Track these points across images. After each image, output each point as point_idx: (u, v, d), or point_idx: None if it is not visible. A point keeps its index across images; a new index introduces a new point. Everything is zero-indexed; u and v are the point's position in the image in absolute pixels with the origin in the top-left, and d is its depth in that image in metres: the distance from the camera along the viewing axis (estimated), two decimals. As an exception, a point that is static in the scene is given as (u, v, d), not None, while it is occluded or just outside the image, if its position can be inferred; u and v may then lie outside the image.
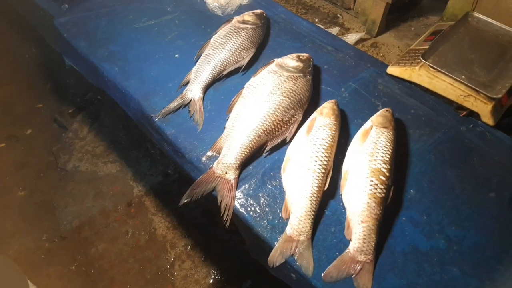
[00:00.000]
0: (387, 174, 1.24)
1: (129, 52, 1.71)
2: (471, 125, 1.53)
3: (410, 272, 1.14)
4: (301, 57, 1.57)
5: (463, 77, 1.53)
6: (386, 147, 1.29)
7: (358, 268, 1.13)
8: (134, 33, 1.79)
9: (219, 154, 1.35)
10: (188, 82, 1.56)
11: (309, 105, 1.49)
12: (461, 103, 1.54)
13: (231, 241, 1.88)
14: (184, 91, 1.53)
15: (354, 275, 1.12)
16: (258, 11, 1.82)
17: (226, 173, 1.31)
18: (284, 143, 1.40)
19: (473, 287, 1.12)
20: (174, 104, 1.50)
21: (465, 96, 1.52)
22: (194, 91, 1.53)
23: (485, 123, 1.53)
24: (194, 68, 1.59)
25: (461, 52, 1.66)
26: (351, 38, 2.33)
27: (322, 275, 1.13)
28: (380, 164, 1.25)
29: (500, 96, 1.46)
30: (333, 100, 1.44)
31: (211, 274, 1.89)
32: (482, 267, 1.16)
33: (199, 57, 1.63)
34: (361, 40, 2.41)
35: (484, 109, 1.50)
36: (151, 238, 2.00)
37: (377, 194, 1.20)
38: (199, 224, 2.01)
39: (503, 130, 1.56)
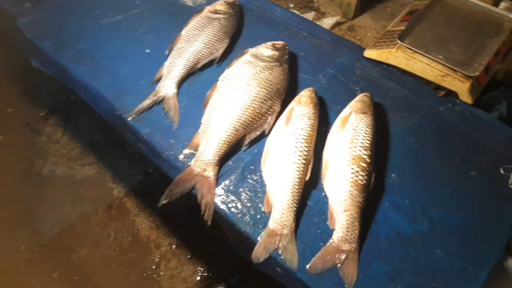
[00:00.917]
0: (368, 160, 1.22)
1: (97, 50, 1.63)
2: (450, 105, 1.53)
3: (395, 258, 1.13)
4: (276, 45, 1.53)
5: (440, 56, 1.52)
6: (366, 133, 1.28)
7: (343, 257, 1.11)
8: (101, 30, 1.72)
9: (197, 151, 1.31)
10: (161, 78, 1.51)
11: (287, 94, 1.46)
12: (439, 83, 1.54)
13: (217, 237, 1.85)
14: (157, 88, 1.48)
15: (339, 265, 1.11)
16: (230, -1, 1.77)
17: (204, 170, 1.27)
18: (263, 136, 1.36)
19: (458, 267, 1.12)
20: (148, 102, 1.44)
21: (442, 76, 1.51)
22: (167, 87, 1.48)
23: (464, 102, 1.53)
24: (166, 63, 1.54)
25: (438, 31, 1.65)
26: (327, 22, 2.30)
27: (307, 267, 1.11)
28: (361, 150, 1.23)
29: (477, 74, 1.46)
30: (310, 88, 1.41)
31: (198, 271, 1.87)
32: (466, 247, 1.16)
33: (171, 51, 1.57)
34: (337, 24, 2.39)
35: (462, 88, 1.50)
36: (135, 240, 1.95)
37: (359, 181, 1.18)
38: (183, 222, 1.98)
39: (482, 107, 1.56)
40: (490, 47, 1.57)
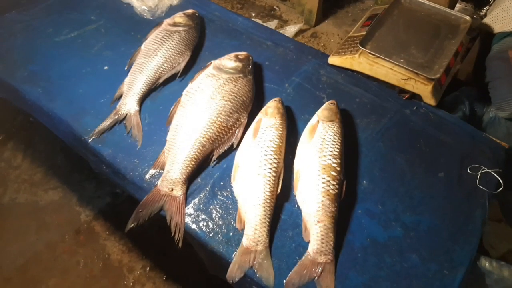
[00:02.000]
0: (338, 169, 1.21)
1: (51, 70, 1.55)
2: (415, 107, 1.55)
3: (371, 267, 1.12)
4: (239, 56, 1.51)
5: (401, 60, 1.54)
6: (334, 141, 1.26)
7: (320, 270, 1.09)
8: (55, 48, 1.64)
9: (163, 170, 1.26)
10: (121, 96, 1.45)
11: (254, 106, 1.43)
12: (403, 87, 1.55)
13: (193, 257, 1.79)
14: (117, 106, 1.42)
15: (316, 278, 1.09)
16: (190, 11, 1.74)
17: (172, 189, 1.22)
18: (232, 149, 1.33)
19: (433, 271, 1.12)
20: (108, 121, 1.38)
21: (405, 79, 1.53)
22: (128, 104, 1.42)
23: (428, 104, 1.55)
24: (126, 80, 1.48)
25: (397, 35, 1.67)
26: (290, 30, 2.30)
27: (284, 283, 1.08)
28: (330, 159, 1.22)
29: (438, 76, 1.48)
30: (277, 99, 1.39)
31: (175, 293, 1.81)
32: (440, 250, 1.16)
33: (131, 67, 1.52)
34: (300, 31, 2.40)
35: (424, 90, 1.52)
36: (106, 265, 1.86)
37: (330, 191, 1.16)
38: (156, 242, 1.90)
39: (446, 108, 1.59)
40: (449, 49, 1.60)
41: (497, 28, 1.88)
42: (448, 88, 1.63)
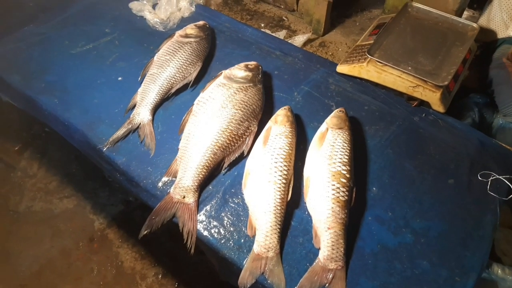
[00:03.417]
0: (348, 176, 1.22)
1: (67, 81, 1.61)
2: (424, 114, 1.56)
3: (381, 273, 1.13)
4: (249, 66, 1.54)
5: (409, 68, 1.55)
6: (344, 148, 1.28)
7: (330, 276, 1.10)
8: (71, 60, 1.69)
9: (175, 178, 1.28)
10: (135, 106, 1.49)
11: (263, 114, 1.46)
12: (411, 94, 1.56)
13: (204, 263, 1.81)
14: (131, 116, 1.46)
15: (327, 284, 1.10)
16: (201, 22, 1.78)
17: (184, 197, 1.24)
18: (242, 157, 1.35)
19: (444, 277, 1.12)
20: (122, 130, 1.42)
21: (413, 87, 1.54)
22: (142, 114, 1.46)
23: (436, 111, 1.56)
24: (140, 90, 1.52)
25: (405, 43, 1.69)
26: (299, 40, 2.33)
27: (295, 290, 1.09)
28: (340, 166, 1.23)
29: (446, 83, 1.49)
30: (286, 107, 1.42)
31: (187, 300, 1.82)
32: (450, 256, 1.16)
33: (144, 78, 1.56)
34: (309, 41, 2.43)
35: (433, 97, 1.53)
36: (119, 272, 1.88)
37: (340, 197, 1.18)
38: (168, 249, 1.93)
39: (455, 115, 1.59)
40: (457, 56, 1.61)
41: (491, 36, 1.90)
42: (456, 95, 1.64)
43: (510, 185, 1.32)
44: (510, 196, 1.31)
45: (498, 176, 1.33)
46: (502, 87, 1.76)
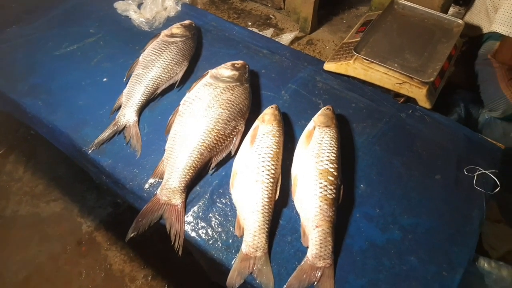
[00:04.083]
0: (335, 173, 1.22)
1: (52, 83, 1.58)
2: (410, 111, 1.56)
3: (370, 270, 1.13)
4: (235, 65, 1.53)
5: (396, 65, 1.56)
6: (331, 146, 1.28)
7: (319, 274, 1.10)
8: (56, 61, 1.67)
9: (162, 179, 1.27)
10: (120, 107, 1.47)
11: (251, 113, 1.45)
12: (398, 91, 1.57)
13: (194, 264, 1.80)
14: (116, 117, 1.44)
15: (316, 283, 1.09)
16: (187, 22, 1.76)
17: (171, 198, 1.23)
18: (230, 157, 1.35)
19: (432, 273, 1.12)
20: (108, 132, 1.40)
21: (400, 83, 1.55)
22: (127, 115, 1.44)
23: (423, 107, 1.57)
24: (125, 91, 1.50)
25: (391, 40, 1.69)
26: (286, 38, 2.32)
27: (284, 289, 1.09)
28: (327, 164, 1.23)
29: (432, 79, 1.50)
30: (273, 106, 1.41)
31: (177, 302, 1.81)
32: (438, 252, 1.17)
33: (129, 78, 1.54)
34: (296, 39, 2.43)
35: (419, 94, 1.54)
36: (108, 275, 1.86)
37: (328, 195, 1.17)
38: (158, 251, 1.91)
39: (442, 111, 1.60)
40: (443, 52, 1.62)
41: (477, 31, 1.92)
42: (443, 91, 1.65)
43: (496, 179, 1.33)
44: (496, 190, 1.32)
45: (484, 171, 1.34)
46: (487, 84, 1.78)
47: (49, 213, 2.08)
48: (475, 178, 1.34)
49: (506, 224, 1.77)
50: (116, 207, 2.10)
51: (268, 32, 2.38)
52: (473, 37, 1.98)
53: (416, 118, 1.54)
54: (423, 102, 1.55)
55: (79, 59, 1.68)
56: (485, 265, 1.18)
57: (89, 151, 1.37)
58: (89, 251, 1.94)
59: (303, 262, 1.12)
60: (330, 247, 1.12)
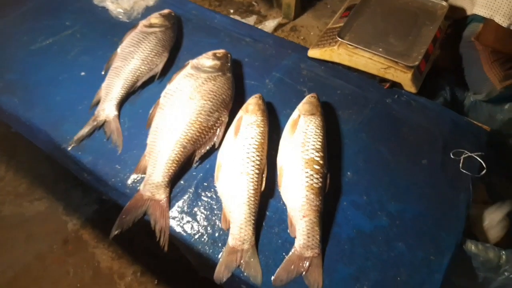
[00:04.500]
0: (321, 162, 1.20)
1: (28, 79, 1.52)
2: (396, 96, 1.55)
3: (358, 257, 1.12)
4: (217, 54, 1.49)
5: (380, 50, 1.53)
6: (316, 135, 1.26)
7: (307, 264, 1.09)
8: (31, 56, 1.60)
9: (145, 174, 1.24)
10: (99, 101, 1.43)
11: (234, 103, 1.42)
12: (383, 76, 1.55)
13: (184, 259, 1.78)
14: (96, 112, 1.40)
15: (304, 273, 1.08)
16: (166, 11, 1.71)
17: (155, 193, 1.20)
18: (214, 149, 1.32)
19: (420, 258, 1.12)
20: (87, 128, 1.36)
21: (385, 68, 1.53)
22: (107, 109, 1.40)
23: (409, 92, 1.55)
24: (104, 84, 1.46)
25: (375, 25, 1.66)
26: (269, 25, 2.28)
27: (272, 280, 1.07)
28: (313, 153, 1.21)
29: (417, 63, 1.48)
30: (257, 95, 1.38)
31: (167, 297, 1.80)
32: (426, 237, 1.16)
33: (108, 71, 1.49)
34: (280, 26, 2.38)
35: (404, 78, 1.52)
36: (96, 273, 1.84)
37: (314, 184, 1.16)
38: (146, 247, 1.89)
39: (427, 95, 1.59)
40: (427, 35, 1.60)
41: (461, 13, 1.89)
42: (428, 75, 1.64)
43: (482, 161, 1.33)
44: (483, 173, 1.32)
45: (470, 154, 1.34)
46: (471, 66, 1.76)
47: (33, 212, 2.04)
48: (461, 161, 1.33)
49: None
50: (102, 204, 2.07)
51: (251, 20, 2.33)
52: (458, 20, 1.96)
53: (402, 103, 1.53)
54: (409, 86, 1.53)
55: (55, 53, 1.62)
56: (472, 247, 1.18)
57: (69, 148, 1.33)
58: (76, 250, 1.91)
59: (290, 253, 1.10)
60: (317, 236, 1.10)
